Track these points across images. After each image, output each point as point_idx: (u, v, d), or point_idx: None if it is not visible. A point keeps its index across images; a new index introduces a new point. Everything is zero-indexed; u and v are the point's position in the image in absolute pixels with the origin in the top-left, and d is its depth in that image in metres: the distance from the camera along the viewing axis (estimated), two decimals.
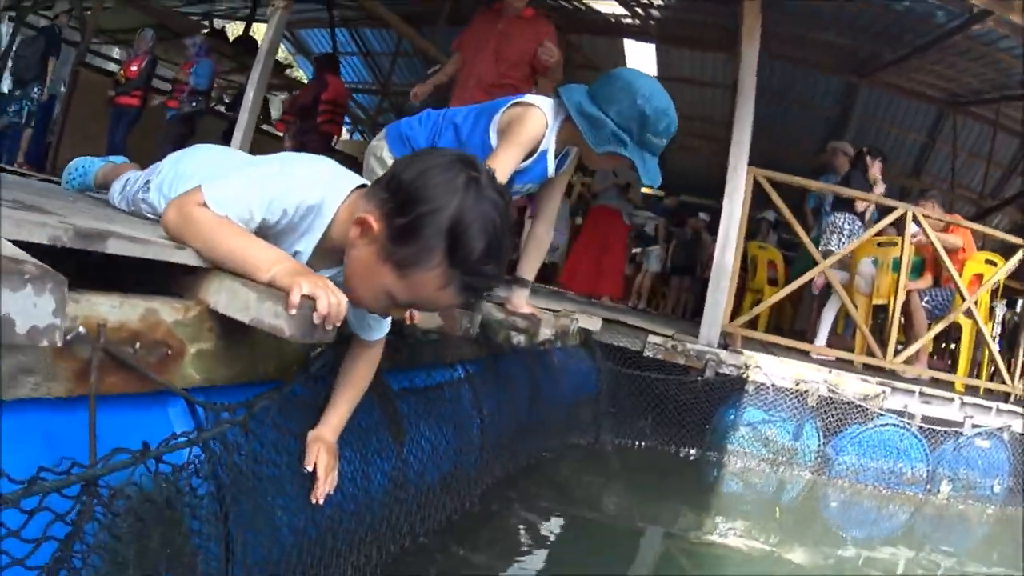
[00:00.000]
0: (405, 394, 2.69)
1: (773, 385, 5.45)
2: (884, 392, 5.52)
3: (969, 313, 6.35)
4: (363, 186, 1.75)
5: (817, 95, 10.51)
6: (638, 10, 9.59)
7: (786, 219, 6.30)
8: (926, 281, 6.78)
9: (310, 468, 1.90)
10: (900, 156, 10.84)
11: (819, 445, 5.41)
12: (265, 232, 1.70)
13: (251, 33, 13.03)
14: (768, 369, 5.52)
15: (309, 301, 1.46)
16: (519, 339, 3.92)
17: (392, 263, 1.56)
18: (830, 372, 5.58)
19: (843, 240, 6.78)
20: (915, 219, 6.07)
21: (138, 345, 1.48)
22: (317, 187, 1.70)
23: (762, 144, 6.20)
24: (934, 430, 5.54)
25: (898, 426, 5.44)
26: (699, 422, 5.43)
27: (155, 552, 1.46)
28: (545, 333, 4.09)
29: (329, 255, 1.76)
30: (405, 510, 2.55)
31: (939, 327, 6.44)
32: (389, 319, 2.02)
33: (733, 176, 5.81)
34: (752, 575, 3.06)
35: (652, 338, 5.66)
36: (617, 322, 5.72)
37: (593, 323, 5.15)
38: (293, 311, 1.45)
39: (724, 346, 5.76)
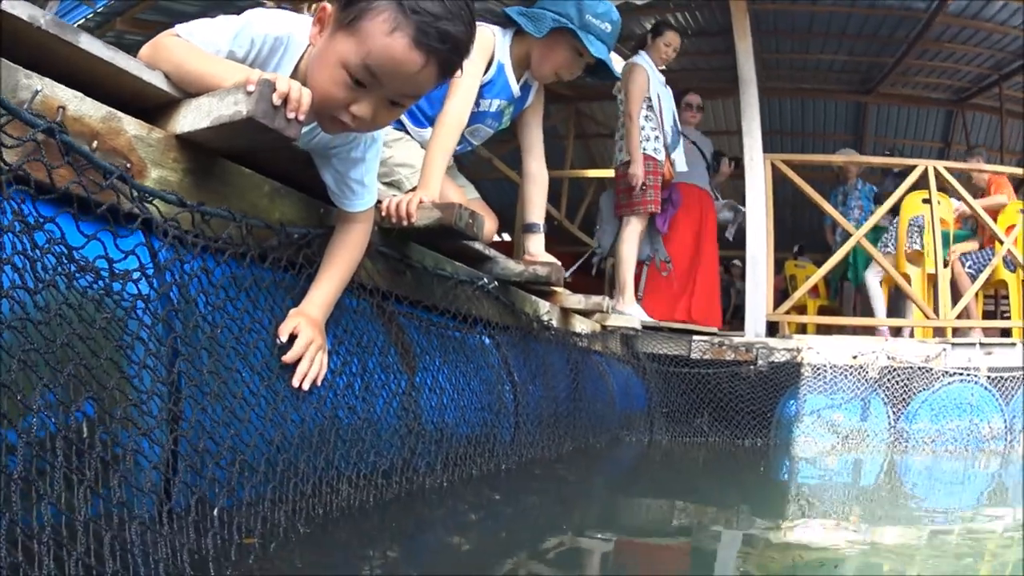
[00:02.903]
0: (414, 320, 2.24)
1: (831, 365, 4.93)
2: (944, 350, 5.01)
3: (1010, 265, 5.91)
4: None
5: (828, 124, 10.20)
6: None
7: (815, 202, 5.97)
8: (973, 244, 6.37)
9: (284, 337, 1.61)
10: None
11: (889, 419, 4.88)
12: None
13: None
14: (821, 349, 5.02)
15: (269, 85, 1.42)
16: (548, 314, 3.45)
17: (342, 28, 1.49)
18: (886, 340, 5.14)
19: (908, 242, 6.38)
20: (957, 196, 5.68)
21: (95, 145, 1.35)
22: (283, 23, 1.69)
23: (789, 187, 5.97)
24: (1002, 379, 4.97)
25: (965, 380, 4.91)
26: (760, 413, 4.94)
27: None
28: (573, 302, 3.65)
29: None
30: (419, 443, 2.06)
31: (981, 279, 5.97)
32: (372, 188, 1.88)
33: (750, 165, 5.56)
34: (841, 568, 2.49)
35: (697, 339, 5.17)
36: (657, 328, 5.21)
37: (631, 321, 4.66)
38: (251, 87, 1.41)
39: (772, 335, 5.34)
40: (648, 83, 5.08)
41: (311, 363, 1.63)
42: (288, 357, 1.59)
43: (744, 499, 2.86)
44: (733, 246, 6.54)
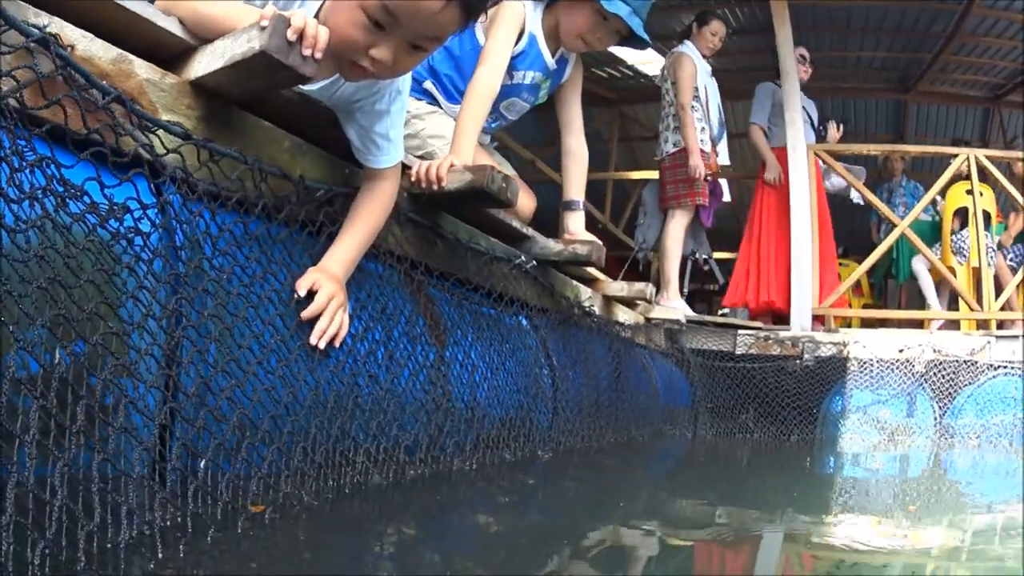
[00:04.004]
0: (445, 292, 2.09)
1: (877, 359, 4.71)
2: (989, 343, 4.73)
3: None
4: None
5: (870, 123, 9.87)
6: None
7: (861, 193, 5.74)
8: (1016, 227, 6.20)
9: (303, 292, 1.48)
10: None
11: (935, 415, 4.65)
12: None
13: None
14: (868, 342, 4.78)
15: (284, 20, 1.32)
16: (589, 300, 3.28)
17: None
18: (931, 333, 4.88)
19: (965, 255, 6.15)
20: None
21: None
22: None
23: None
24: None
25: (1009, 374, 4.64)
26: (806, 409, 4.71)
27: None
28: (615, 289, 3.47)
29: (324, 61, 1.43)
30: (448, 421, 1.90)
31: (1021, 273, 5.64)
32: (398, 143, 1.75)
33: (793, 156, 5.31)
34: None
35: (742, 334, 4.97)
36: (701, 322, 5.01)
37: (674, 313, 4.46)
38: (265, 22, 1.30)
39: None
40: (696, 72, 4.88)
41: (331, 320, 1.50)
42: (307, 312, 1.47)
43: (788, 496, 2.66)
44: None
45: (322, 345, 1.48)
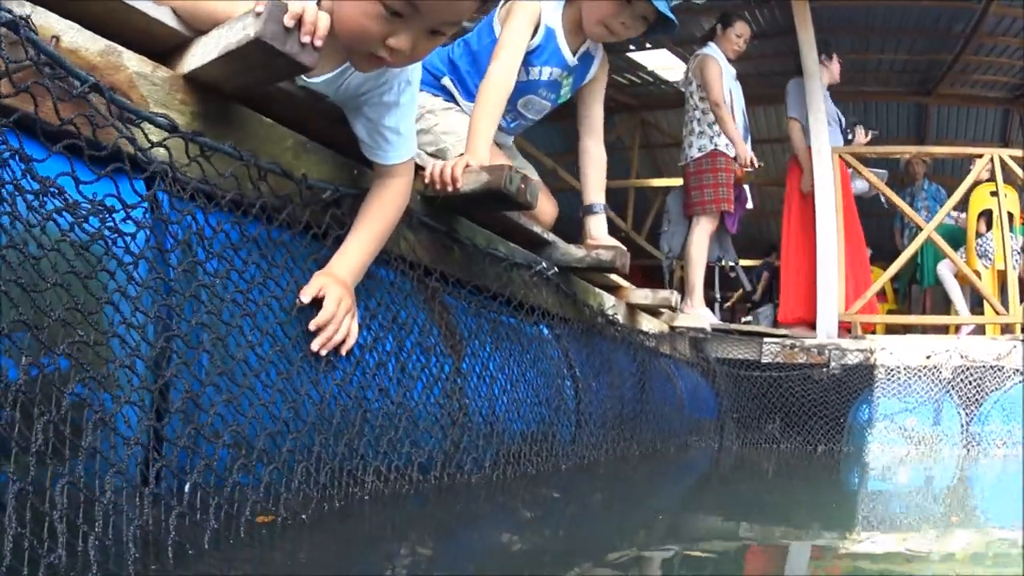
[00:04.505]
0: (461, 300, 1.96)
1: (904, 367, 4.54)
2: (1015, 347, 4.53)
3: None
4: None
5: (891, 128, 9.70)
6: None
7: (888, 197, 5.57)
8: None
9: (307, 299, 1.36)
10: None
11: (962, 422, 4.47)
12: None
13: None
14: (894, 349, 4.61)
15: (280, 6, 1.21)
16: (613, 308, 3.14)
17: None
18: (958, 339, 4.75)
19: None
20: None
21: None
22: None
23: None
24: None
25: None
26: (833, 419, 4.54)
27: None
28: (639, 297, 3.33)
29: (324, 54, 1.33)
30: (464, 436, 1.77)
31: None
32: (409, 138, 1.62)
33: (818, 160, 5.11)
34: None
35: (768, 342, 4.79)
36: (726, 331, 4.84)
37: (700, 322, 4.31)
38: (260, 8, 1.20)
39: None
40: (722, 74, 4.73)
41: (338, 328, 1.38)
42: (317, 321, 1.36)
43: (814, 508, 2.50)
44: None
45: (324, 353, 1.36)
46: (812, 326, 5.11)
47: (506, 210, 2.01)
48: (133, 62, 1.26)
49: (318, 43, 1.24)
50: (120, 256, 1.04)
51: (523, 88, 2.54)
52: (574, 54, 2.59)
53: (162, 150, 1.15)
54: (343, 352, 1.40)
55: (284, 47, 1.22)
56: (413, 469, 1.57)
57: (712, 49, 4.85)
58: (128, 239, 1.05)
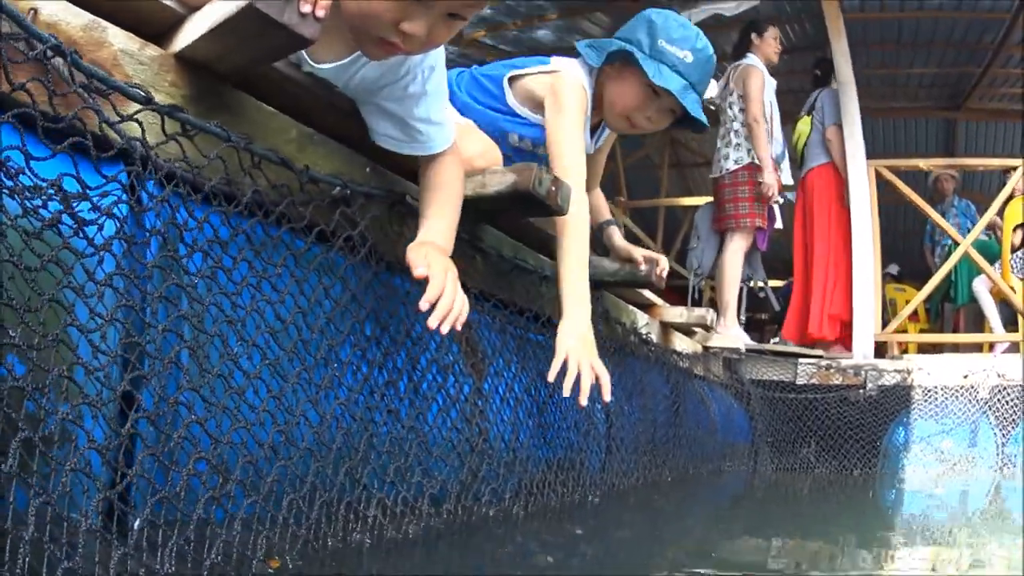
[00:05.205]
0: (485, 314, 1.75)
1: (942, 387, 4.31)
2: None
3: None
4: None
5: (920, 144, 9.54)
6: None
7: (923, 211, 5.31)
8: None
9: (424, 270, 1.26)
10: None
11: (997, 443, 4.24)
12: None
13: None
14: (931, 369, 4.37)
15: None
16: (646, 327, 2.92)
17: None
18: (995, 357, 4.49)
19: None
20: None
21: None
22: None
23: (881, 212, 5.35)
24: None
25: None
26: (869, 442, 4.33)
27: None
28: (673, 315, 3.11)
29: (334, 37, 1.26)
30: (483, 464, 1.56)
31: None
32: (446, 122, 1.46)
33: (853, 172, 4.90)
34: None
35: (803, 363, 4.54)
36: (760, 351, 4.60)
37: (734, 341, 4.07)
38: None
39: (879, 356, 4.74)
40: (764, 86, 4.51)
41: (453, 300, 1.25)
42: (428, 296, 1.22)
43: (848, 534, 2.27)
44: None
45: (445, 329, 1.22)
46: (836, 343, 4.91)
47: (534, 215, 1.79)
48: (119, 39, 1.09)
49: (320, 13, 1.06)
50: (82, 249, 0.85)
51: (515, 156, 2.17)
52: (592, 134, 2.25)
53: (134, 125, 0.96)
54: (458, 327, 1.25)
55: (281, 17, 1.04)
56: (424, 501, 1.36)
57: (754, 60, 4.63)
58: (92, 230, 0.87)
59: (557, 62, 2.13)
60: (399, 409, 1.33)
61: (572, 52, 2.18)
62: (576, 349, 1.71)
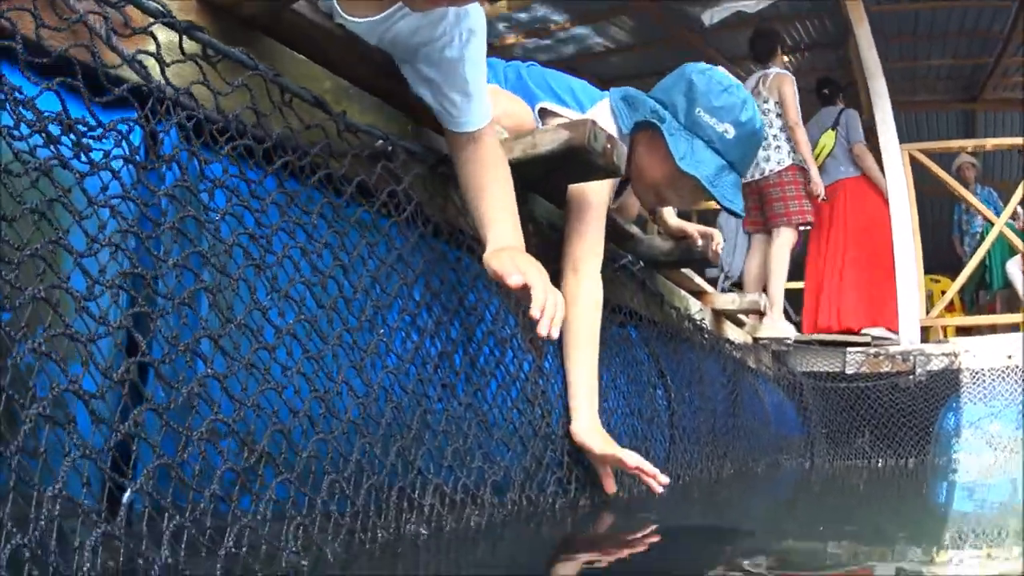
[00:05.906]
0: None
1: (988, 368, 4.15)
2: None
3: None
4: None
5: (941, 137, 9.28)
6: None
7: (959, 193, 5.26)
8: None
9: (519, 279, 1.15)
10: None
11: None
12: None
13: None
14: (978, 350, 4.20)
15: None
16: (700, 313, 2.71)
17: None
18: None
19: None
20: None
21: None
22: None
23: None
24: None
25: None
26: (922, 428, 4.13)
27: None
28: (725, 302, 2.92)
29: None
30: (548, 450, 1.37)
31: None
32: (481, 97, 1.26)
33: (888, 158, 4.75)
34: None
35: (851, 352, 4.35)
36: (807, 342, 4.40)
37: (783, 332, 3.87)
38: None
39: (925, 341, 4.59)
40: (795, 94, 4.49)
41: (556, 302, 1.17)
42: (539, 300, 1.15)
43: (901, 527, 2.03)
44: None
45: (555, 334, 1.15)
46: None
47: (588, 178, 1.59)
48: None
49: None
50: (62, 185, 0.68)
51: None
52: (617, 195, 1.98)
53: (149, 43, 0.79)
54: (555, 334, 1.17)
55: None
56: (486, 489, 1.17)
57: (783, 70, 4.66)
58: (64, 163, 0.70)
59: (594, 111, 1.78)
60: (455, 384, 1.15)
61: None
62: (598, 444, 1.48)
